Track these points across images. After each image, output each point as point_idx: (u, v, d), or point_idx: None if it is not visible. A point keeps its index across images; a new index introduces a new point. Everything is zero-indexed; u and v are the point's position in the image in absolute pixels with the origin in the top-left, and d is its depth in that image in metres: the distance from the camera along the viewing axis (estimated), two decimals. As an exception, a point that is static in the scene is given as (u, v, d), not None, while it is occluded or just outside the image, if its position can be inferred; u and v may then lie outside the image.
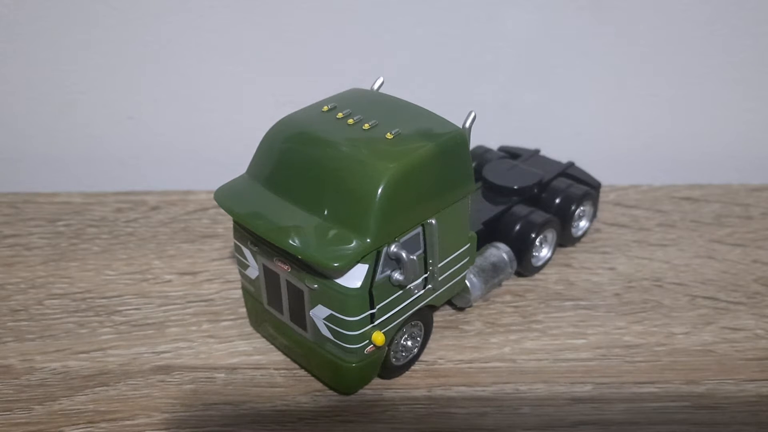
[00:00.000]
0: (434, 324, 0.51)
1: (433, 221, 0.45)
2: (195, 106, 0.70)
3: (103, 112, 0.70)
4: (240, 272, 0.50)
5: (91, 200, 0.67)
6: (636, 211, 0.65)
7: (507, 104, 0.70)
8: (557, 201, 0.58)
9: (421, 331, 0.49)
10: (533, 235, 0.55)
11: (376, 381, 0.48)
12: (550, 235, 0.57)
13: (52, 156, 0.71)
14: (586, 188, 0.60)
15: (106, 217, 0.65)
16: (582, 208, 0.59)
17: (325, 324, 0.45)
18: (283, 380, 0.49)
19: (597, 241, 0.61)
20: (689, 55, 0.68)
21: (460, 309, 0.54)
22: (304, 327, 0.46)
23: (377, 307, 0.44)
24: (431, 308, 0.49)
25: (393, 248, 0.43)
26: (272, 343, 0.51)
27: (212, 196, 0.46)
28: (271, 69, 0.68)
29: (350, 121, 0.45)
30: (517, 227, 0.55)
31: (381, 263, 0.43)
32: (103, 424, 0.46)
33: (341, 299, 0.43)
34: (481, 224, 0.54)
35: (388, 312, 0.45)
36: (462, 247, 0.49)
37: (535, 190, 0.58)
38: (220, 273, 0.58)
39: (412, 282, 0.45)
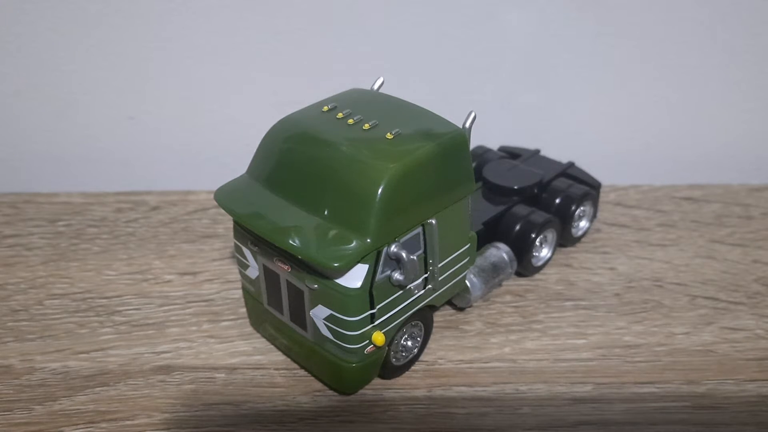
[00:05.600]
0: (434, 324, 0.51)
1: (434, 221, 0.45)
2: (195, 106, 0.70)
3: (103, 112, 0.70)
4: (240, 272, 0.50)
5: (91, 200, 0.67)
6: (636, 211, 0.65)
7: (507, 104, 0.70)
8: (557, 201, 0.58)
9: (421, 331, 0.49)
10: (533, 235, 0.55)
11: (376, 381, 0.48)
12: (551, 235, 0.57)
13: (52, 156, 0.71)
14: (586, 188, 0.60)
15: (106, 217, 0.65)
16: (582, 208, 0.59)
17: (325, 324, 0.45)
18: (283, 380, 0.49)
19: (597, 241, 0.61)
20: (689, 55, 0.68)
21: (460, 309, 0.54)
22: (304, 327, 0.46)
23: (377, 307, 0.44)
24: (431, 308, 0.49)
25: (393, 248, 0.43)
26: (272, 343, 0.51)
27: (212, 196, 0.46)
28: (271, 69, 0.68)
29: (350, 121, 0.45)
30: (518, 227, 0.55)
31: (381, 263, 0.43)
32: (103, 424, 0.46)
33: (341, 299, 0.43)
34: (481, 224, 0.54)
35: (389, 312, 0.45)
36: (462, 247, 0.49)
37: (536, 191, 0.58)
38: (221, 273, 0.58)
39: (412, 282, 0.45)
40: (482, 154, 0.62)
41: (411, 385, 0.49)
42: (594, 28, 0.67)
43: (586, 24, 0.66)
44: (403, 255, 0.43)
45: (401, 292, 0.45)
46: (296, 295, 0.46)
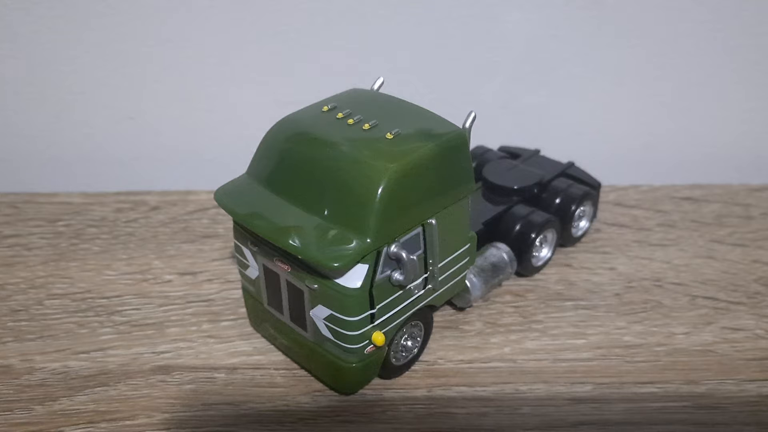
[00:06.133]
0: (434, 324, 0.51)
1: (433, 221, 0.45)
2: (195, 106, 0.70)
3: (103, 112, 0.70)
4: (240, 272, 0.50)
5: (91, 200, 0.67)
6: (636, 211, 0.65)
7: (507, 104, 0.70)
8: (557, 201, 0.58)
9: (421, 331, 0.49)
10: (533, 235, 0.55)
11: (376, 381, 0.48)
12: (550, 235, 0.57)
13: (52, 156, 0.71)
14: (586, 188, 0.60)
15: (106, 217, 0.65)
16: (582, 208, 0.59)
17: (325, 324, 0.45)
18: (283, 380, 0.49)
19: (597, 241, 0.61)
20: (689, 55, 0.68)
21: (460, 309, 0.54)
22: (304, 327, 0.46)
23: (377, 307, 0.44)
24: (431, 308, 0.49)
25: (393, 248, 0.43)
26: (272, 343, 0.51)
27: (212, 196, 0.46)
28: (271, 69, 0.68)
29: (350, 121, 0.45)
30: (518, 227, 0.55)
31: (381, 263, 0.43)
32: (103, 424, 0.46)
33: (341, 299, 0.43)
34: (481, 224, 0.54)
35: (388, 312, 0.45)
36: (462, 247, 0.49)
37: (535, 190, 0.58)
38: (220, 273, 0.58)
39: (412, 282, 0.45)
40: (482, 154, 0.62)
41: (411, 385, 0.49)
42: (594, 29, 0.67)
43: (586, 24, 0.66)
44: (403, 255, 0.43)
45: (401, 292, 0.45)
46: (296, 295, 0.46)
